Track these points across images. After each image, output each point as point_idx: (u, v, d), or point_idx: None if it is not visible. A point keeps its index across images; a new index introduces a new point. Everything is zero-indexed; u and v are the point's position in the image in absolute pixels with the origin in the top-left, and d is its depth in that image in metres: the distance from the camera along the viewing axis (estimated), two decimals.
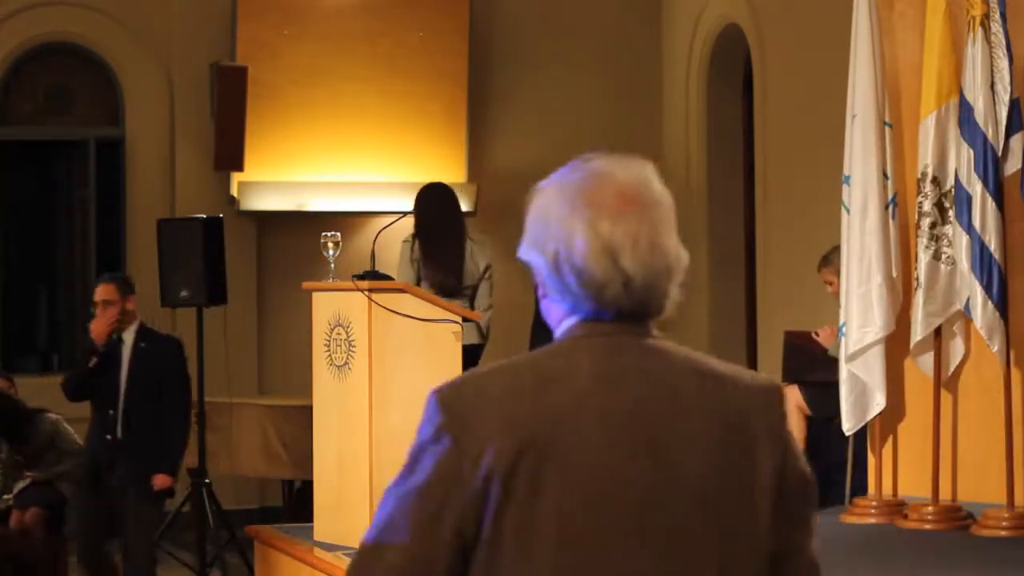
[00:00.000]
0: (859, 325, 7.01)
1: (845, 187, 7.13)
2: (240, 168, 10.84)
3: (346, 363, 6.21)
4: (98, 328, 7.99)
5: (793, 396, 7.80)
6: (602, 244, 2.13)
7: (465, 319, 6.54)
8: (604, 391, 2.14)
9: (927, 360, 7.07)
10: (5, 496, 9.03)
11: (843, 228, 7.13)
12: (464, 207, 10.98)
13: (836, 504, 7.64)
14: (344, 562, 5.69)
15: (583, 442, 2.11)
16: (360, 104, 11.22)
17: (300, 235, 10.67)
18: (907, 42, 7.28)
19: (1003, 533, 6.64)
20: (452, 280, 7.91)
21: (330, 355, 6.31)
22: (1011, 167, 6.76)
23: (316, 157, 11.19)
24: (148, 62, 11.24)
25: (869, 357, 7.02)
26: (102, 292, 8.05)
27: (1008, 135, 6.74)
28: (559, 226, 2.15)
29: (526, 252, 2.21)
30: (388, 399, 6.03)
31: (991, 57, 6.73)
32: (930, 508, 6.94)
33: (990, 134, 6.70)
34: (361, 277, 6.31)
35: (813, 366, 7.81)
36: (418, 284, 7.70)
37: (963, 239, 6.74)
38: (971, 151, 6.72)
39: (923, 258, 6.94)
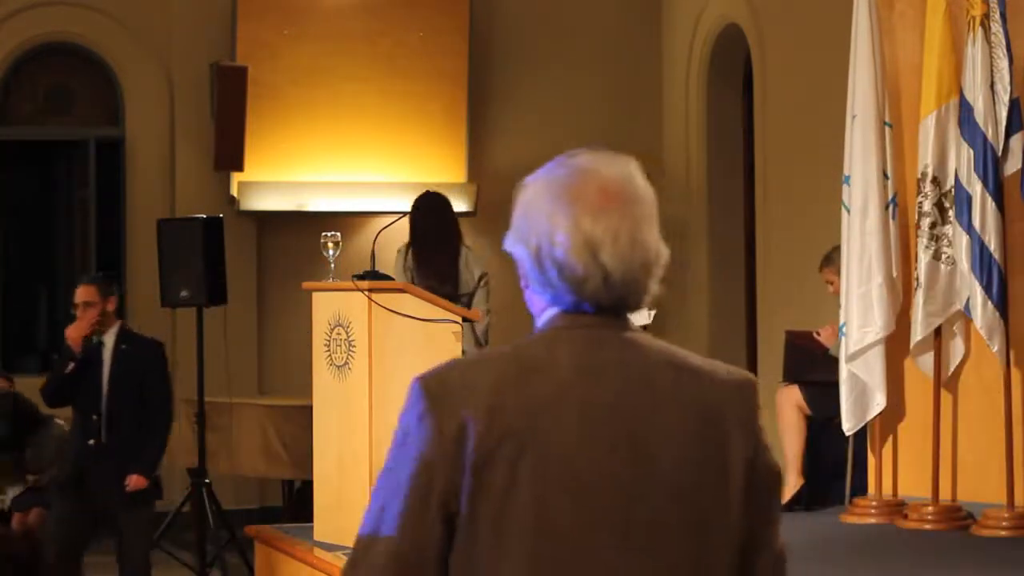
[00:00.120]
0: (859, 325, 7.01)
1: (845, 187, 7.13)
2: (240, 168, 10.84)
3: (346, 363, 6.21)
4: (74, 334, 7.87)
5: (793, 396, 7.80)
6: (584, 239, 2.17)
7: (465, 319, 6.54)
8: (585, 383, 2.18)
9: (927, 360, 7.07)
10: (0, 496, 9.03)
11: (843, 228, 7.13)
12: (464, 207, 11.02)
13: (836, 504, 7.64)
14: (344, 562, 5.69)
15: (563, 433, 2.15)
16: (360, 104, 11.22)
17: (300, 235, 10.67)
18: (907, 42, 7.28)
19: (1003, 533, 6.64)
20: (447, 288, 7.91)
21: (330, 355, 6.30)
22: (1011, 167, 6.76)
23: (316, 157, 11.19)
24: (148, 62, 11.24)
25: (869, 357, 7.02)
26: (82, 293, 7.93)
27: (1008, 135, 6.74)
28: (543, 220, 2.20)
29: (511, 244, 2.25)
30: (388, 399, 6.03)
31: (991, 57, 6.73)
32: (930, 508, 6.94)
33: (990, 134, 6.70)
34: (361, 277, 6.31)
35: (814, 366, 7.81)
36: None
37: (963, 239, 6.74)
38: (971, 151, 6.72)
39: (923, 258, 6.94)
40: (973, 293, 6.70)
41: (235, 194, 11.07)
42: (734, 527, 2.20)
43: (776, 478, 2.26)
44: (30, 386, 9.80)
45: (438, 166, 11.23)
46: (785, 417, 7.82)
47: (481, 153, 11.50)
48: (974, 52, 6.73)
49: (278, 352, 11.11)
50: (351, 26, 11.24)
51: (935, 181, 6.94)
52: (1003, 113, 6.72)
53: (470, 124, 11.41)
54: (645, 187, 2.23)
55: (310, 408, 6.55)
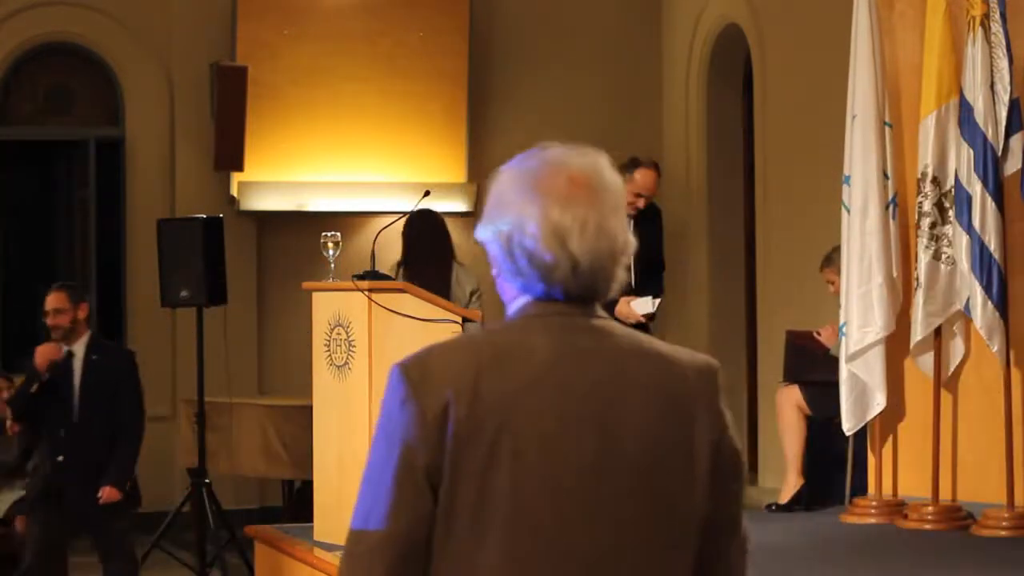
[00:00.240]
0: (859, 325, 7.02)
1: (845, 187, 7.13)
2: (240, 168, 10.84)
3: (346, 363, 6.21)
4: (42, 358, 7.77)
5: (793, 396, 7.80)
6: (552, 228, 2.23)
7: (465, 319, 6.54)
8: (560, 368, 2.23)
9: (927, 360, 7.07)
10: None
11: (843, 228, 7.13)
12: (464, 207, 11.03)
13: (836, 504, 7.64)
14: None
15: (540, 417, 2.20)
16: (360, 104, 11.22)
17: (300, 235, 10.67)
18: (907, 42, 7.28)
19: (1003, 533, 6.65)
20: None
21: (330, 355, 6.31)
22: (1011, 167, 6.76)
23: (316, 157, 11.19)
24: (148, 62, 11.24)
25: (869, 357, 7.02)
26: (53, 300, 7.81)
27: (1008, 135, 6.75)
28: (513, 210, 2.27)
29: (482, 232, 2.32)
30: None
31: (991, 57, 6.73)
32: (930, 508, 6.94)
33: (990, 134, 6.70)
34: (361, 277, 6.31)
35: (814, 366, 7.81)
36: None
37: (963, 239, 6.74)
38: (971, 151, 6.73)
39: (923, 258, 6.94)
40: (973, 293, 6.70)
41: (235, 194, 11.06)
42: (699, 509, 2.26)
43: (739, 460, 2.32)
44: None
45: (438, 166, 11.22)
46: (785, 417, 7.82)
47: (481, 153, 11.49)
48: (974, 52, 6.74)
49: (278, 352, 11.11)
50: (351, 26, 11.23)
51: (935, 181, 6.94)
52: (1003, 113, 6.72)
53: (470, 124, 11.41)
54: (613, 179, 2.29)
55: (310, 408, 6.55)
